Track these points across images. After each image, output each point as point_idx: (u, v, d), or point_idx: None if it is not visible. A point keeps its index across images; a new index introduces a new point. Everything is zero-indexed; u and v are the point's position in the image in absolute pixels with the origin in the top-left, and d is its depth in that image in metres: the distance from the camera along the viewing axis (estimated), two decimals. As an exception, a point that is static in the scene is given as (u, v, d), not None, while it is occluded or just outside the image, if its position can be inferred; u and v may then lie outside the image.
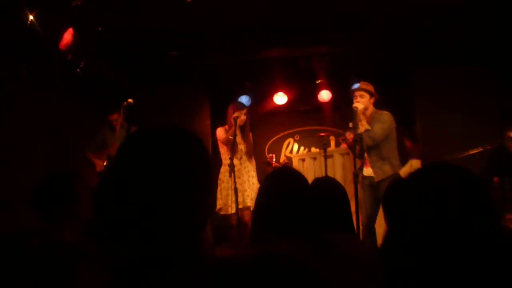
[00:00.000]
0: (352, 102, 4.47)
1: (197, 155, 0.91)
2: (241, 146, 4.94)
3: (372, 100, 4.51)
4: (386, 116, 4.42)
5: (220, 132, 5.00)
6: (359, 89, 4.53)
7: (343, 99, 5.36)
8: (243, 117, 4.90)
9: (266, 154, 6.92)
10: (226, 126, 4.96)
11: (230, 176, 4.45)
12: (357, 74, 5.22)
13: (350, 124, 4.34)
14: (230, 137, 4.76)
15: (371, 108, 4.51)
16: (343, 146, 6.09)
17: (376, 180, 4.36)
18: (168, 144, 0.89)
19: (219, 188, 4.87)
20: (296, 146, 7.18)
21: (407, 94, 5.92)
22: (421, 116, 5.70)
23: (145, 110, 5.48)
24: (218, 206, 4.85)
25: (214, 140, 5.27)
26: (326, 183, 1.64)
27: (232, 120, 4.82)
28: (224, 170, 4.90)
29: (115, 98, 5.08)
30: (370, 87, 4.54)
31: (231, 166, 4.44)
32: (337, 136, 6.42)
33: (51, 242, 1.24)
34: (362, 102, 4.43)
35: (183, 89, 6.14)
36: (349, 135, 4.34)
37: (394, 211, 1.84)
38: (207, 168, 0.92)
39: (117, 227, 0.84)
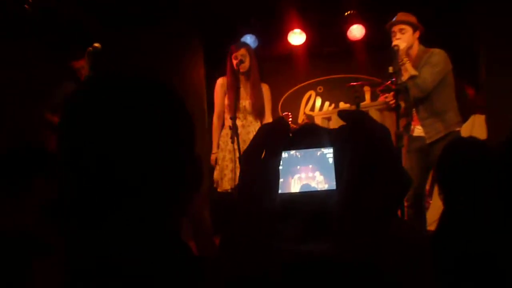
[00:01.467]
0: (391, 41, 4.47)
1: (173, 111, 0.93)
2: (245, 103, 4.88)
3: (417, 35, 4.46)
4: (438, 56, 4.37)
5: (219, 84, 5.00)
6: (397, 21, 4.49)
7: (381, 36, 5.16)
8: (246, 60, 4.83)
9: (280, 112, 6.89)
10: (223, 77, 4.98)
11: (233, 141, 4.46)
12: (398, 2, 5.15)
13: (390, 69, 4.32)
14: (226, 89, 4.78)
15: (416, 46, 4.47)
16: (382, 98, 5.82)
17: (427, 141, 4.35)
18: (134, 97, 0.90)
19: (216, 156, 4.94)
20: (319, 101, 7.20)
21: (467, 28, 5.84)
22: (486, 57, 5.51)
23: (119, 59, 5.46)
24: (214, 180, 4.93)
25: (211, 94, 5.31)
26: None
27: (234, 66, 4.75)
28: (224, 133, 4.92)
29: (80, 42, 5.03)
30: (411, 18, 4.49)
31: (233, 129, 4.44)
32: (373, 86, 6.38)
33: (5, 230, 1.30)
34: (403, 38, 4.39)
35: (168, 30, 6.04)
36: (388, 94, 4.40)
37: (454, 181, 1.93)
38: (186, 129, 0.94)
39: (77, 208, 0.86)
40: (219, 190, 4.84)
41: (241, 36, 6.05)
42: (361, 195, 0.78)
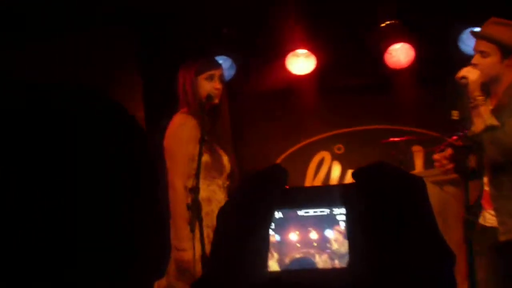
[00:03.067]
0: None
1: (127, 152, 1.11)
2: (207, 158, 4.83)
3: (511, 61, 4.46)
4: None
5: (181, 125, 4.96)
6: (477, 35, 4.56)
7: (442, 60, 5.26)
8: (217, 86, 4.84)
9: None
10: (184, 111, 4.92)
11: (192, 229, 4.40)
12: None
13: (455, 114, 4.45)
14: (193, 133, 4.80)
15: (509, 79, 4.47)
16: (441, 166, 5.53)
17: (501, 239, 4.32)
18: (59, 127, 1.07)
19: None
20: (337, 169, 7.24)
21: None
22: None
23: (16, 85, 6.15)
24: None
25: (156, 147, 5.07)
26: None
27: (203, 96, 4.77)
28: None
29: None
30: (505, 32, 4.51)
31: (193, 209, 4.37)
32: (427, 144, 6.31)
33: None
34: (483, 65, 4.40)
35: (91, 42, 6.16)
36: (454, 144, 4.48)
37: None
38: (148, 182, 1.13)
39: None
40: None
41: (208, 58, 5.82)
42: (385, 277, 0.88)
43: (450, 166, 4.31)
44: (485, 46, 4.41)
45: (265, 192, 0.96)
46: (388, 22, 6.24)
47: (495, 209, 4.39)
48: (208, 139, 4.82)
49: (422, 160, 6.55)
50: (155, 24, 6.38)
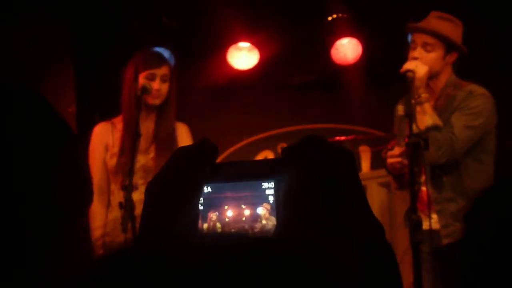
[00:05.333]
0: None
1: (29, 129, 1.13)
2: (143, 158, 4.88)
3: (452, 59, 4.52)
4: (481, 100, 4.49)
5: (97, 134, 5.05)
6: (421, 29, 4.55)
7: (390, 56, 5.32)
8: (164, 88, 4.86)
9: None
10: (117, 118, 4.97)
11: (124, 229, 4.37)
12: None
13: (400, 110, 4.46)
14: (112, 139, 4.91)
15: (446, 75, 4.56)
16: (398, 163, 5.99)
17: (444, 242, 4.38)
18: None
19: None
20: None
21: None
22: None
23: None
24: None
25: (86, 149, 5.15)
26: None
27: (137, 92, 4.75)
28: (110, 218, 4.94)
29: None
30: (449, 28, 4.57)
31: (127, 208, 4.37)
32: (374, 144, 6.49)
33: None
34: (426, 59, 4.44)
35: (22, 32, 6.08)
36: (397, 150, 4.44)
37: None
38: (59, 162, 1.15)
39: None
40: None
41: (147, 49, 5.82)
42: (311, 248, 0.87)
43: (407, 162, 4.25)
44: (429, 39, 4.49)
45: (194, 166, 1.00)
46: (335, 16, 6.24)
47: (437, 212, 4.43)
48: (145, 135, 4.87)
49: (369, 161, 6.66)
50: (91, 14, 6.23)
